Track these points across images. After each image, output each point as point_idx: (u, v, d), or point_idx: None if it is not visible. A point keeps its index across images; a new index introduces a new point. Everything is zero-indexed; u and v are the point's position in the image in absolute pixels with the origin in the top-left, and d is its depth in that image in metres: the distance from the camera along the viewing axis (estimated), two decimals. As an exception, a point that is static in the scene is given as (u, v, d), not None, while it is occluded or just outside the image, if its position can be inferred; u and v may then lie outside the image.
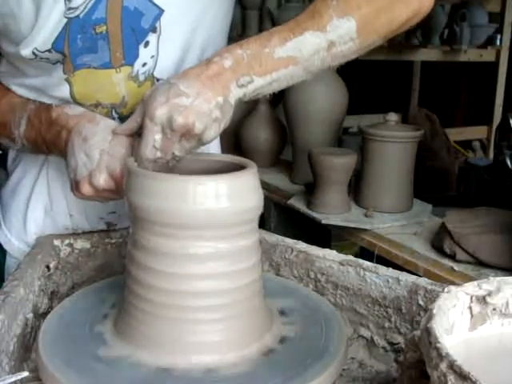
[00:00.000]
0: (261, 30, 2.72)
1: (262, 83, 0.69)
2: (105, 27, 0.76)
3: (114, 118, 0.83)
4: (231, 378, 0.59)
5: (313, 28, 0.69)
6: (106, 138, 0.73)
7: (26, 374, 0.61)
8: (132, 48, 0.79)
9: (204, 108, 0.65)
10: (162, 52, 0.81)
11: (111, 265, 0.92)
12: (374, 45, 0.75)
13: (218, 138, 1.09)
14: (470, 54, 3.20)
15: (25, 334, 0.71)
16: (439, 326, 0.45)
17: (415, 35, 3.01)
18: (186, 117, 0.64)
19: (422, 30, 2.98)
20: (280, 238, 0.90)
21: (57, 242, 0.90)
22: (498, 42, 3.15)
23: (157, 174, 0.63)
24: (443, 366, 0.41)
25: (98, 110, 0.83)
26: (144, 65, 0.81)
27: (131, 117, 0.72)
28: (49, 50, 0.76)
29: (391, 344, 0.76)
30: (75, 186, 0.75)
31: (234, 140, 2.06)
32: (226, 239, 0.62)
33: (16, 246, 0.98)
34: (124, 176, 0.67)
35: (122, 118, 0.83)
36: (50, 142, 0.80)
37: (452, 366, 0.40)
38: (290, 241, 0.89)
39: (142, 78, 0.82)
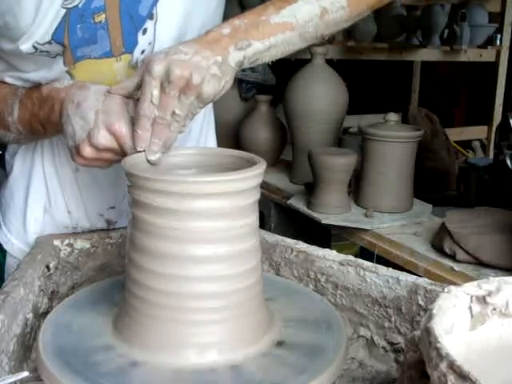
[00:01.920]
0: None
1: (260, 47, 0.71)
2: (104, 15, 0.77)
3: None
4: (230, 379, 0.59)
5: None
6: (98, 99, 0.72)
7: (25, 373, 0.61)
8: (131, 35, 0.80)
9: (202, 63, 0.66)
10: (158, 38, 0.82)
11: (111, 265, 0.92)
12: (362, 15, 0.81)
13: (215, 137, 1.09)
14: (470, 54, 3.20)
15: (25, 333, 0.71)
16: (439, 326, 0.45)
17: (415, 35, 3.00)
18: (184, 69, 0.64)
19: (422, 30, 2.98)
20: (280, 238, 0.90)
21: (57, 242, 0.90)
22: (498, 42, 3.15)
23: (157, 174, 0.63)
24: (443, 365, 0.41)
25: None
26: (143, 52, 0.82)
27: (129, 77, 0.72)
28: (49, 42, 0.76)
29: (391, 344, 0.76)
30: (75, 152, 0.73)
31: (234, 140, 2.07)
32: (225, 241, 0.62)
33: (16, 246, 0.98)
34: (122, 132, 0.68)
35: None
36: (45, 119, 0.79)
37: (452, 365, 0.40)
38: (289, 241, 0.89)
39: (140, 64, 0.82)
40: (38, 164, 0.95)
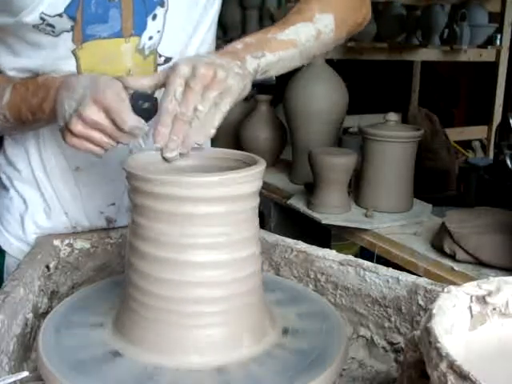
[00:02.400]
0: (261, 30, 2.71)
1: (272, 58, 0.77)
2: None
3: None
4: (231, 378, 0.59)
5: (303, 20, 0.82)
6: (91, 80, 0.71)
7: (25, 373, 0.61)
8: (141, 18, 0.83)
9: (225, 64, 0.68)
10: (167, 29, 0.86)
11: (111, 265, 0.92)
12: (341, 40, 0.91)
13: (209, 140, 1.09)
14: (470, 54, 3.20)
15: (25, 333, 0.71)
16: (439, 326, 0.45)
17: (415, 35, 3.00)
18: (209, 68, 0.65)
19: (421, 30, 2.98)
20: (280, 237, 0.90)
21: (57, 242, 0.90)
22: (498, 42, 3.15)
23: (157, 173, 0.63)
24: (443, 365, 0.41)
25: None
26: (150, 38, 0.85)
27: (150, 76, 0.72)
28: (59, 15, 0.77)
29: (391, 344, 0.76)
30: (67, 131, 0.71)
31: (234, 140, 2.06)
32: (226, 247, 0.62)
33: (15, 246, 0.98)
34: (107, 99, 0.67)
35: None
36: (37, 105, 0.78)
37: (452, 365, 0.40)
38: (289, 241, 0.89)
39: (147, 51, 0.86)
40: (27, 169, 0.95)
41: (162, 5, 0.84)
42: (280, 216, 1.84)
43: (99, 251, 0.92)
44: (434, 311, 0.46)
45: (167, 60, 0.89)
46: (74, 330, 0.66)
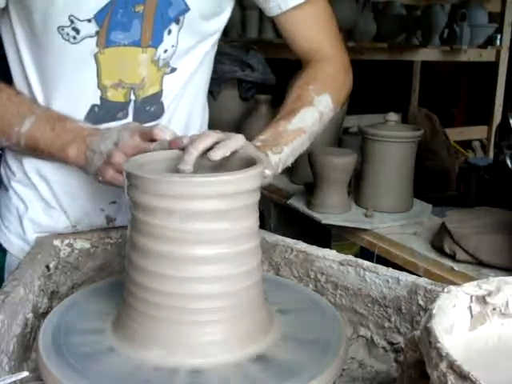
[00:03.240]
0: (261, 29, 2.71)
1: (288, 151, 0.84)
2: (142, 7, 0.85)
3: (130, 100, 0.90)
4: (230, 377, 0.59)
5: (304, 106, 0.89)
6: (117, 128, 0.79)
7: (25, 373, 0.61)
8: (159, 32, 0.87)
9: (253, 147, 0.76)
10: (180, 44, 0.90)
11: (111, 265, 0.92)
12: (334, 114, 0.96)
13: None
14: (470, 54, 3.21)
15: (25, 333, 0.71)
16: (439, 326, 0.45)
17: (415, 35, 3.00)
18: (237, 141, 0.70)
19: (422, 30, 2.98)
20: (280, 237, 0.90)
21: (57, 242, 0.90)
22: (498, 42, 3.15)
23: (157, 176, 0.63)
24: (443, 365, 0.41)
25: (118, 90, 0.89)
26: (165, 51, 0.89)
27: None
28: (88, 20, 0.82)
29: (391, 344, 0.76)
30: (104, 165, 0.77)
31: (234, 140, 2.06)
32: (226, 242, 0.62)
33: (15, 244, 0.98)
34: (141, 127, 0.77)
35: (138, 102, 0.90)
36: (58, 147, 0.83)
37: (452, 365, 0.40)
38: (289, 241, 0.89)
39: (161, 63, 0.90)
40: (21, 173, 0.96)
41: (177, 22, 0.88)
42: (280, 216, 1.84)
43: (99, 251, 0.92)
44: (434, 311, 0.46)
45: (173, 70, 0.92)
46: (74, 330, 0.66)
